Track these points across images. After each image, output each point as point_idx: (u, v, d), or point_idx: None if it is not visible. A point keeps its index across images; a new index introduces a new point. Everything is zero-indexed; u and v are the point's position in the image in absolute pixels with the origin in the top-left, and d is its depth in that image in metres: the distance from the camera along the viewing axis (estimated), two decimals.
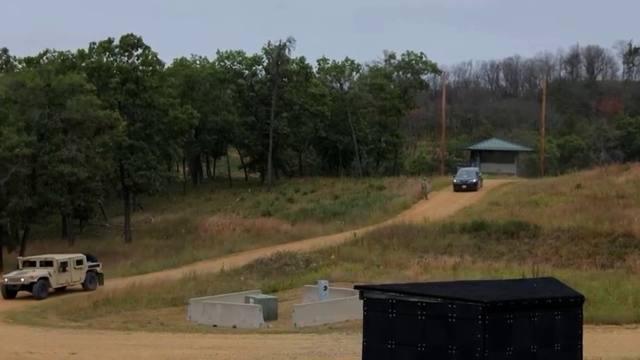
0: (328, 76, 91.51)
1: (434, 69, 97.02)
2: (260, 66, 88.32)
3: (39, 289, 39.39)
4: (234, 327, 30.28)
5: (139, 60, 68.20)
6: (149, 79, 67.03)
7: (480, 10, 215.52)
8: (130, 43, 67.86)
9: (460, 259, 42.06)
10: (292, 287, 39.10)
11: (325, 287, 34.24)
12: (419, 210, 58.23)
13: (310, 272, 41.61)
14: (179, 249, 56.05)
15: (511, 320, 10.94)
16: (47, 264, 40.92)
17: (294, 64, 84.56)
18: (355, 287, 12.51)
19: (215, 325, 30.67)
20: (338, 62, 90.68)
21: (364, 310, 11.85)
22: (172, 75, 74.91)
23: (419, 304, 11.21)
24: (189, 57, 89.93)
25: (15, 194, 52.75)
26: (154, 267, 49.48)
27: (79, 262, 42.07)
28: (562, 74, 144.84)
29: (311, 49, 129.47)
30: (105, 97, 62.93)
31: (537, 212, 50.77)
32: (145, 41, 68.42)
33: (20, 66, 79.41)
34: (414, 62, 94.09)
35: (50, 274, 40.22)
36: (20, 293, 39.92)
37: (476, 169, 72.14)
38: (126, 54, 68.24)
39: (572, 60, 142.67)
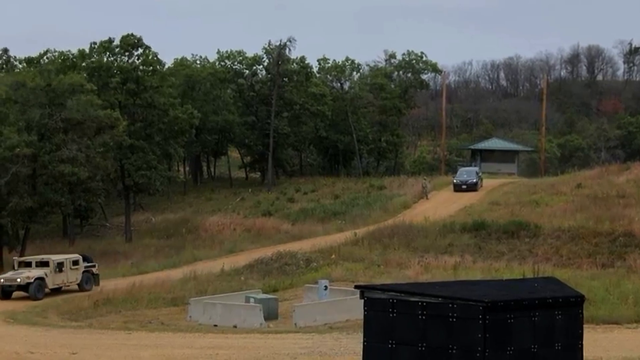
0: (328, 76, 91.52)
1: (435, 69, 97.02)
2: (261, 66, 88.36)
3: (35, 290, 39.16)
4: (235, 326, 30.29)
5: (140, 60, 68.21)
6: (150, 79, 67.03)
7: (480, 10, 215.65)
8: (131, 43, 67.87)
9: (461, 259, 42.06)
10: (292, 286, 39.10)
11: (325, 286, 34.25)
12: (420, 210, 58.23)
13: (311, 272, 41.61)
14: (180, 249, 56.06)
15: (512, 320, 10.94)
16: (43, 264, 40.71)
17: (294, 64, 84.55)
18: (356, 287, 12.51)
19: (215, 325, 30.68)
20: (338, 62, 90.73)
21: (365, 310, 11.85)
22: (173, 75, 74.92)
23: (420, 303, 11.21)
24: (189, 57, 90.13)
25: (16, 194, 52.76)
26: (154, 266, 49.47)
27: (75, 262, 41.91)
28: (562, 73, 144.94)
29: (311, 49, 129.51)
30: (105, 97, 62.95)
31: (538, 211, 50.76)
32: (146, 41, 68.56)
33: (20, 66, 79.46)
34: (414, 61, 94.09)
35: (46, 275, 39.99)
36: (15, 293, 39.68)
37: (476, 168, 71.97)
38: (126, 53, 68.25)
39: (573, 59, 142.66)
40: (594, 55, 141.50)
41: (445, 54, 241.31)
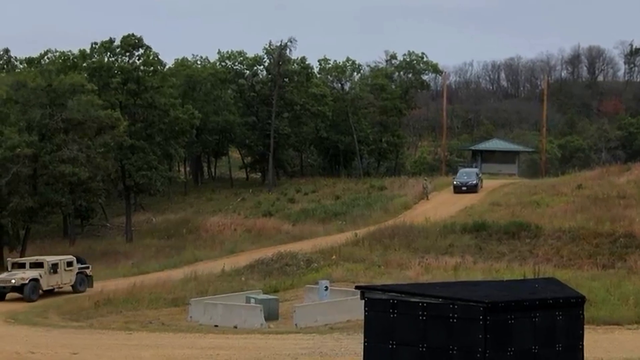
0: (329, 76, 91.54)
1: (435, 69, 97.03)
2: (262, 66, 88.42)
3: (29, 291, 38.91)
4: (235, 327, 30.27)
5: (140, 61, 68.27)
6: (150, 79, 67.07)
7: (480, 10, 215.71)
8: (132, 43, 67.91)
9: (461, 260, 42.04)
10: (293, 287, 39.08)
11: (326, 287, 34.23)
12: (420, 211, 58.23)
13: (311, 273, 41.59)
14: (180, 249, 56.07)
15: (512, 321, 10.94)
16: (38, 265, 40.47)
17: (295, 64, 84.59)
18: (357, 288, 12.51)
19: (216, 326, 30.66)
20: (339, 63, 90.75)
21: (365, 311, 11.85)
22: (173, 76, 74.95)
23: (420, 304, 11.21)
24: (189, 57, 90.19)
25: (17, 194, 52.77)
26: (155, 267, 49.49)
27: (69, 263, 41.67)
28: (563, 74, 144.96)
29: (312, 49, 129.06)
30: (106, 97, 62.99)
31: (538, 212, 50.74)
32: (146, 41, 68.70)
33: (21, 66, 79.51)
34: (415, 62, 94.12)
35: (40, 276, 39.74)
36: (9, 295, 39.40)
37: (476, 170, 71.75)
38: (127, 54, 68.30)
39: (573, 60, 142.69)
40: (595, 56, 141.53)
41: (446, 55, 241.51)
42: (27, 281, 39.04)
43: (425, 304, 11.17)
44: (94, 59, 69.42)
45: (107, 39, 69.28)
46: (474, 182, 64.99)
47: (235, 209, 71.39)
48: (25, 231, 57.61)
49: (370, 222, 56.02)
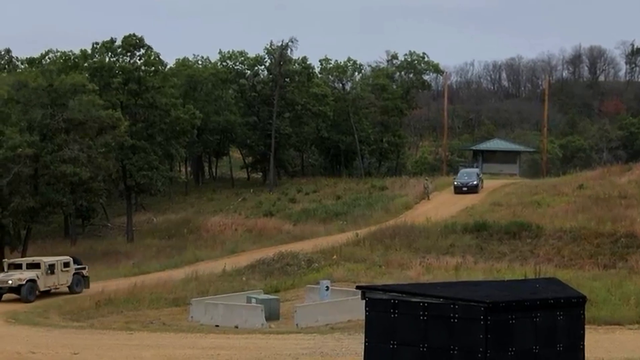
0: (330, 76, 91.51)
1: (436, 69, 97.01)
2: (263, 66, 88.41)
3: (27, 292, 38.69)
4: (236, 327, 30.28)
5: (141, 61, 68.27)
6: (151, 79, 67.07)
7: (480, 10, 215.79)
8: (133, 43, 67.91)
9: (462, 260, 42.03)
10: (294, 287, 39.08)
11: (327, 287, 34.24)
12: (421, 211, 58.22)
13: (312, 273, 41.60)
14: (181, 249, 56.08)
15: (513, 321, 10.93)
16: (34, 266, 40.26)
17: (296, 64, 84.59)
18: (357, 288, 12.50)
19: (217, 326, 30.67)
20: (340, 63, 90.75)
21: (366, 311, 11.84)
22: (174, 76, 74.92)
23: (421, 304, 11.20)
24: (190, 57, 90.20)
25: (18, 194, 52.77)
26: (156, 267, 49.49)
27: (66, 264, 41.48)
28: (564, 74, 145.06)
29: (313, 49, 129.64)
30: (107, 97, 62.98)
31: (540, 212, 50.72)
32: (146, 41, 68.65)
33: (22, 66, 79.52)
34: (416, 62, 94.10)
35: (38, 277, 39.52)
36: (5, 296, 39.22)
37: (477, 170, 71.51)
38: (128, 54, 68.30)
39: (575, 60, 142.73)
40: (596, 56, 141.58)
41: (447, 55, 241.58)
42: (24, 282, 38.81)
43: (426, 304, 11.17)
44: (95, 59, 69.42)
45: (108, 39, 69.37)
46: (475, 182, 64.79)
47: (236, 209, 71.38)
48: (27, 231, 57.60)
49: (371, 222, 56.01)
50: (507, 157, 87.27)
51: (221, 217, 67.79)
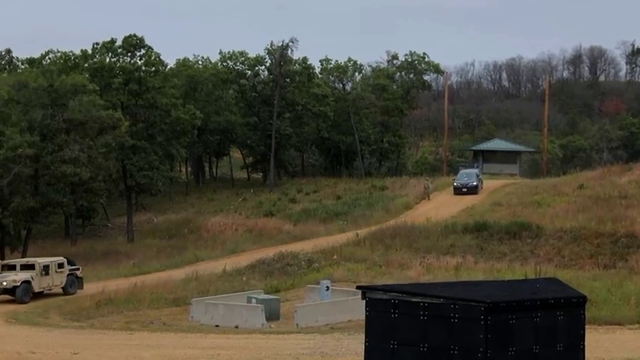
0: (330, 76, 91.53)
1: (437, 70, 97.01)
2: (263, 66, 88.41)
3: (22, 293, 38.49)
4: (236, 327, 30.28)
5: (142, 61, 68.27)
6: (152, 80, 67.07)
7: (480, 10, 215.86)
8: (133, 43, 67.91)
9: (463, 260, 42.04)
10: (294, 287, 39.09)
11: (327, 287, 34.24)
12: (422, 211, 58.23)
13: (313, 273, 41.61)
14: (182, 249, 56.08)
15: (513, 321, 10.92)
16: (28, 267, 40.05)
17: (296, 65, 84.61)
18: (358, 287, 12.50)
19: (217, 326, 30.68)
20: (340, 63, 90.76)
21: (366, 311, 11.84)
22: (175, 76, 74.92)
23: (421, 304, 11.20)
24: (190, 58, 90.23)
25: (18, 194, 52.78)
26: (156, 267, 49.49)
27: (60, 265, 41.27)
28: (564, 74, 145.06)
29: (313, 50, 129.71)
30: (107, 98, 62.96)
31: (540, 212, 50.72)
32: (146, 42, 68.62)
33: (22, 67, 79.53)
34: (416, 62, 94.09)
35: (32, 278, 39.28)
36: (0, 297, 39.10)
37: (476, 170, 71.32)
38: (129, 54, 68.30)
39: (575, 60, 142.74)
40: (597, 56, 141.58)
41: (447, 55, 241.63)
42: (19, 283, 38.59)
43: (426, 304, 11.16)
44: (95, 60, 69.42)
45: (108, 39, 69.34)
46: (474, 183, 64.59)
47: (236, 209, 71.39)
48: (27, 231, 57.61)
49: (371, 222, 56.02)
50: (507, 157, 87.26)
51: (221, 217, 67.79)
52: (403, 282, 31.49)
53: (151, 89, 66.59)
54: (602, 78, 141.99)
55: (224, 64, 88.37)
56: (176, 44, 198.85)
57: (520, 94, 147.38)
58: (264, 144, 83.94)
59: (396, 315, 11.39)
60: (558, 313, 11.41)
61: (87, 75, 63.86)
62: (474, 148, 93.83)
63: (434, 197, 64.72)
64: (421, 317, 11.17)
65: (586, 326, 11.96)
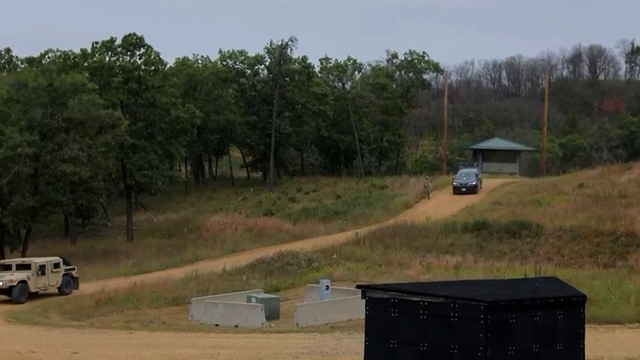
0: (330, 75, 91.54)
1: (436, 68, 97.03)
2: (263, 65, 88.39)
3: (18, 293, 38.39)
4: (236, 326, 30.29)
5: (141, 60, 68.22)
6: (151, 79, 67.03)
7: (480, 10, 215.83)
8: (133, 42, 67.87)
9: (462, 259, 42.04)
10: (294, 286, 39.09)
11: (327, 286, 34.24)
12: (421, 210, 58.23)
13: (312, 272, 41.60)
14: (181, 248, 56.07)
15: (513, 320, 10.92)
16: (25, 267, 39.97)
17: (296, 64, 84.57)
18: (358, 287, 12.51)
19: (217, 325, 30.68)
20: (340, 62, 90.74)
21: (366, 310, 11.84)
22: (174, 75, 74.89)
23: (421, 303, 11.19)
24: (190, 57, 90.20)
25: (18, 193, 52.76)
26: (156, 266, 49.48)
27: (56, 265, 41.20)
28: (564, 73, 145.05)
29: (313, 49, 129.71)
30: (107, 97, 62.92)
31: (540, 211, 50.71)
32: (146, 41, 68.54)
33: (22, 66, 79.48)
34: (416, 61, 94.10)
35: (28, 278, 39.19)
36: None
37: (476, 170, 71.09)
38: (128, 53, 68.27)
39: (575, 59, 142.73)
40: (596, 55, 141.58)
41: (447, 54, 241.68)
42: (15, 283, 38.51)
43: (426, 303, 11.16)
44: (95, 59, 69.37)
45: (108, 38, 69.32)
46: (474, 183, 64.43)
47: (236, 208, 71.38)
48: (27, 231, 57.58)
49: (371, 221, 56.01)
50: (507, 156, 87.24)
51: (221, 216, 67.78)
52: (403, 281, 31.50)
53: (151, 88, 66.55)
54: (601, 77, 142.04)
55: (224, 63, 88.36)
56: (176, 43, 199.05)
57: (519, 92, 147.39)
58: (264, 143, 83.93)
59: (396, 314, 11.39)
60: (558, 312, 11.41)
61: (86, 75, 63.80)
62: (473, 147, 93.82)
63: (433, 196, 64.71)
64: (421, 316, 11.17)
65: (586, 325, 11.97)
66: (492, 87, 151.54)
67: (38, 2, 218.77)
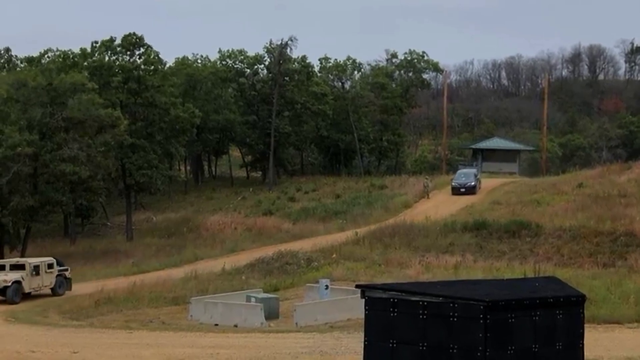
0: (330, 75, 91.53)
1: (436, 68, 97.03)
2: (262, 65, 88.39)
3: (12, 293, 38.33)
4: (236, 326, 30.28)
5: (141, 59, 68.19)
6: (151, 78, 67.00)
7: (480, 10, 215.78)
8: (132, 42, 67.84)
9: (462, 258, 42.03)
10: (293, 286, 39.08)
11: (326, 286, 34.23)
12: (421, 209, 58.21)
13: (312, 271, 41.59)
14: (181, 248, 56.06)
15: (513, 320, 10.93)
16: (18, 267, 39.88)
17: (295, 63, 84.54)
18: (357, 286, 12.51)
19: (216, 324, 30.67)
20: (340, 61, 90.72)
21: (366, 309, 11.84)
22: (174, 75, 74.88)
23: (421, 303, 11.20)
24: (190, 57, 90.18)
25: (17, 193, 52.75)
26: (155, 266, 49.47)
27: (50, 266, 41.12)
28: (564, 72, 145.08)
29: (312, 49, 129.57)
30: (107, 96, 62.89)
31: (539, 211, 50.70)
32: (146, 41, 68.50)
33: (22, 65, 79.45)
34: (415, 61, 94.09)
35: (23, 278, 39.12)
36: None
37: (474, 170, 70.89)
38: (128, 53, 68.24)
39: (574, 59, 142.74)
40: (596, 55, 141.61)
41: (446, 54, 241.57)
42: (9, 283, 38.45)
43: (425, 303, 11.16)
44: (94, 58, 69.32)
45: (107, 38, 69.30)
46: (472, 183, 64.19)
47: (235, 208, 71.37)
48: (26, 230, 57.58)
49: (370, 220, 56.00)
50: (506, 155, 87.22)
51: (221, 215, 67.76)
52: (402, 280, 31.47)
53: (150, 88, 66.53)
54: (601, 77, 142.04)
55: (223, 62, 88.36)
56: (176, 43, 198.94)
57: (519, 92, 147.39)
58: (263, 143, 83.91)
59: (395, 314, 11.39)
60: (557, 312, 11.41)
61: (86, 74, 63.73)
62: (473, 147, 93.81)
63: (433, 195, 64.69)
64: (420, 316, 11.17)
65: (585, 325, 11.98)
66: (491, 86, 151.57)
67: (38, 2, 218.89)
